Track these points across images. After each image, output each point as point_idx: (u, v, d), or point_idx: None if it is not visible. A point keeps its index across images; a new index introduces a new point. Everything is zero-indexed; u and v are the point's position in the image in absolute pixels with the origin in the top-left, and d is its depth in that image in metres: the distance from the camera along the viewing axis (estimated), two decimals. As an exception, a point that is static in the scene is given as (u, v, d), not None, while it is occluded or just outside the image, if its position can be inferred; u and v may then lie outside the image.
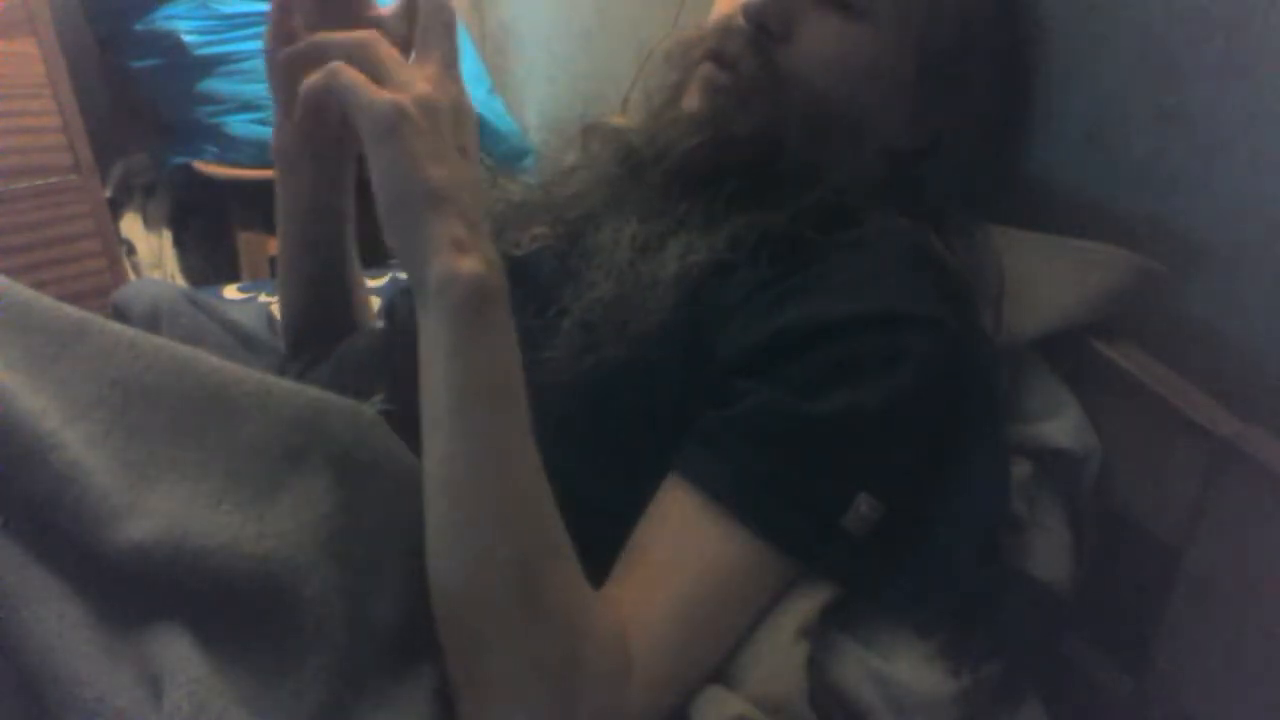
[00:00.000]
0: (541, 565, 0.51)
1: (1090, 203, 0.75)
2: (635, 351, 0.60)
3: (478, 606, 0.51)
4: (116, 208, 1.86)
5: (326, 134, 0.70)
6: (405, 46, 0.70)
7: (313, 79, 0.51)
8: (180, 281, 1.85)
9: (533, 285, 0.67)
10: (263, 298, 1.26)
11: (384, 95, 0.49)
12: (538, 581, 0.50)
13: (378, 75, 0.50)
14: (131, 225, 1.87)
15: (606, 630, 0.52)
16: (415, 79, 0.50)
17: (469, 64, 1.93)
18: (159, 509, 0.48)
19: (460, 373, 0.50)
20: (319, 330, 0.81)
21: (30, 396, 0.48)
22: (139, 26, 1.68)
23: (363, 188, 0.74)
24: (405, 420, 0.54)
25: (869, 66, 0.67)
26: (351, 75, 0.50)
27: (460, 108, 0.52)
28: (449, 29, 0.53)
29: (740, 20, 0.67)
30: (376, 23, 0.69)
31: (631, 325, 0.60)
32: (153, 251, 1.87)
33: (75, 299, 1.51)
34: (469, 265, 0.49)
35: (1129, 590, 0.68)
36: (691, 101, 0.68)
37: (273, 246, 1.76)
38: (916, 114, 0.70)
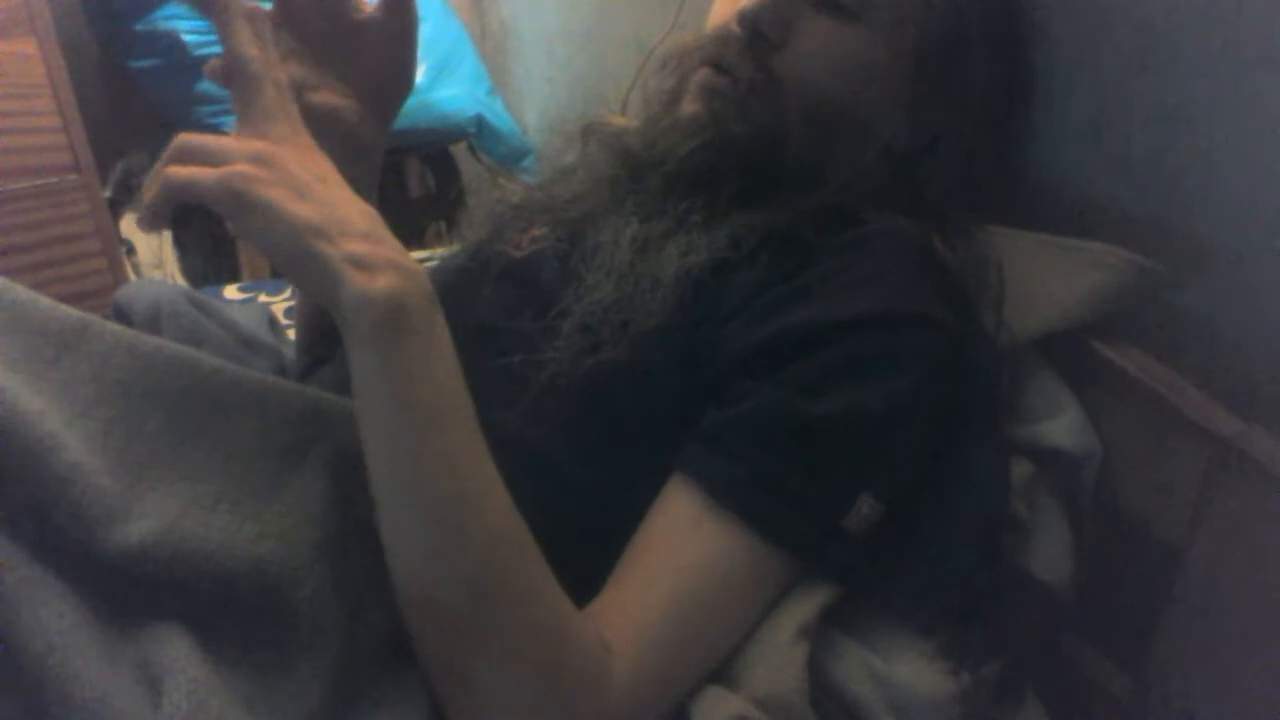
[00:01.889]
0: (501, 578, 0.50)
1: (1090, 203, 0.75)
2: (636, 352, 0.60)
3: (440, 622, 0.51)
4: (116, 208, 1.86)
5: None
6: (396, 39, 0.70)
7: (151, 198, 0.50)
8: (180, 281, 1.85)
9: (533, 287, 0.67)
10: (263, 298, 1.26)
11: (216, 173, 0.48)
12: (499, 594, 0.50)
13: (204, 159, 0.50)
14: (131, 225, 1.87)
15: (586, 631, 0.52)
16: (239, 144, 0.50)
17: (469, 64, 1.93)
18: (158, 510, 0.48)
19: (393, 391, 0.49)
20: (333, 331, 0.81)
21: (30, 397, 0.48)
22: (139, 26, 1.68)
23: (384, 188, 0.74)
24: None
25: (866, 68, 0.67)
26: (181, 173, 0.49)
27: (300, 143, 0.52)
28: (256, 80, 0.53)
29: (736, 27, 0.67)
30: (365, 20, 0.69)
31: (632, 326, 0.60)
32: (153, 251, 1.87)
33: (75, 299, 1.51)
34: (378, 282, 0.47)
35: (1129, 590, 0.68)
36: (690, 106, 0.68)
37: (273, 246, 1.77)
38: (915, 114, 0.70)
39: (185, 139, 0.51)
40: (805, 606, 0.57)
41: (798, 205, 0.65)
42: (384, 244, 0.49)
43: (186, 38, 1.65)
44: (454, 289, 0.71)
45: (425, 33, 1.82)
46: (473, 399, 0.52)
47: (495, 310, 0.67)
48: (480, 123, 1.87)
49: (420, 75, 1.79)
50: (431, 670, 0.52)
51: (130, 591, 0.48)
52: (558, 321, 0.62)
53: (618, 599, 0.55)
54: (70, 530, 0.47)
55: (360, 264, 0.48)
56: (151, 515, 0.48)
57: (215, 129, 1.71)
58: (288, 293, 1.27)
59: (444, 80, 1.87)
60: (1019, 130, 0.79)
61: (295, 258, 0.48)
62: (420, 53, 2.08)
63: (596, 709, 0.51)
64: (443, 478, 0.49)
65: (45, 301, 0.52)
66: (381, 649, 0.53)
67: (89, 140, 1.58)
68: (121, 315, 0.84)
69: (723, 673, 0.57)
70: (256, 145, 0.50)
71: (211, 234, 1.96)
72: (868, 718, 0.57)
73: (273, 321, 1.03)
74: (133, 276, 1.80)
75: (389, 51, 0.71)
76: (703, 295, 0.62)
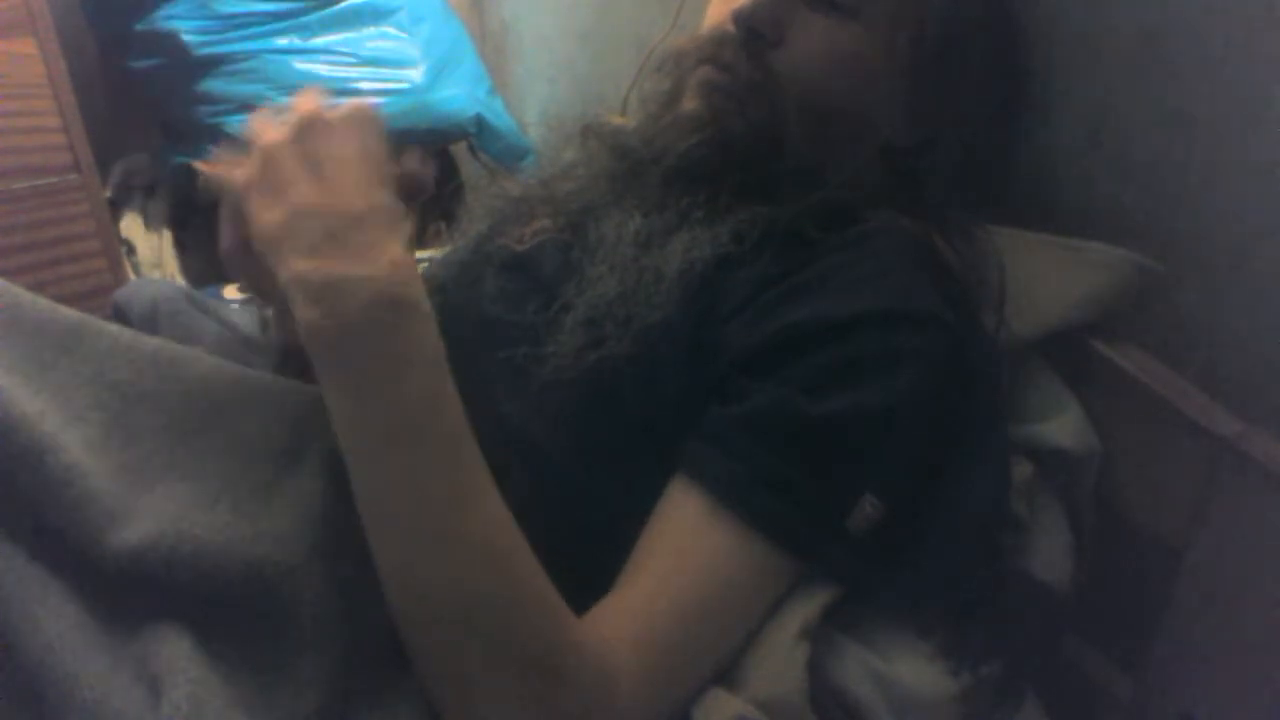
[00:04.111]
0: (490, 591, 0.49)
1: (1090, 203, 0.75)
2: (639, 347, 0.59)
3: (431, 635, 0.50)
4: (116, 208, 1.86)
5: None
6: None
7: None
8: (180, 282, 1.85)
9: (535, 279, 0.67)
10: (263, 298, 1.26)
11: (237, 179, 0.50)
12: (488, 607, 0.49)
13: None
14: (131, 225, 1.87)
15: (587, 640, 0.52)
16: (262, 138, 0.50)
17: (469, 64, 1.93)
18: (156, 510, 0.48)
19: (342, 411, 0.48)
20: None
21: (29, 399, 0.48)
22: (139, 26, 1.67)
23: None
24: None
25: (863, 65, 0.67)
26: (230, 180, 0.50)
27: (317, 123, 0.50)
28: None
29: (731, 27, 0.67)
30: None
31: (635, 321, 0.60)
32: (153, 251, 1.87)
33: (75, 299, 1.51)
34: (311, 311, 0.46)
35: (1129, 590, 0.68)
36: (690, 104, 0.68)
37: (273, 246, 1.76)
38: (913, 111, 0.70)
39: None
40: (806, 607, 0.57)
41: (799, 202, 0.65)
42: (335, 254, 0.47)
43: (186, 38, 1.64)
44: (456, 283, 0.71)
45: (425, 33, 1.82)
46: (477, 393, 0.51)
47: (498, 303, 0.67)
48: (480, 123, 1.87)
49: (420, 75, 1.80)
50: (426, 681, 0.52)
51: (129, 592, 0.48)
52: (560, 315, 0.62)
53: (622, 603, 0.55)
54: (69, 531, 0.47)
55: (301, 287, 0.47)
56: (150, 516, 0.48)
57: (215, 129, 1.70)
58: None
59: (444, 80, 1.87)
60: (1018, 129, 0.79)
61: (272, 273, 0.48)
62: (420, 53, 2.07)
63: (603, 717, 0.51)
64: (406, 495, 0.49)
65: (44, 302, 0.52)
66: (381, 649, 0.53)
67: (89, 140, 1.58)
68: (120, 315, 0.84)
69: (724, 674, 0.57)
70: (264, 141, 0.49)
71: (211, 234, 1.96)
72: (868, 718, 0.57)
73: (266, 323, 1.02)
74: (133, 276, 1.80)
75: None
76: (706, 290, 0.61)
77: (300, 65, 1.69)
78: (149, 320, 0.81)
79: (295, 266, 0.47)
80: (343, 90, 1.66)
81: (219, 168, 0.51)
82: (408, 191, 0.53)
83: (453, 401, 0.50)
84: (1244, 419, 0.60)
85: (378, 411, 0.48)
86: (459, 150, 2.03)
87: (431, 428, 0.49)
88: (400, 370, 0.48)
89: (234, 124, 1.70)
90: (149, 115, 1.84)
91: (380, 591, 0.52)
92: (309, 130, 0.49)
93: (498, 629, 0.49)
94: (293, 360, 0.73)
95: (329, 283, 0.47)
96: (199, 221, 1.97)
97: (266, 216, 0.48)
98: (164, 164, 1.85)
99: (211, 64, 1.67)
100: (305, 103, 0.51)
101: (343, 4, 1.75)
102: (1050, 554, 0.66)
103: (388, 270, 0.48)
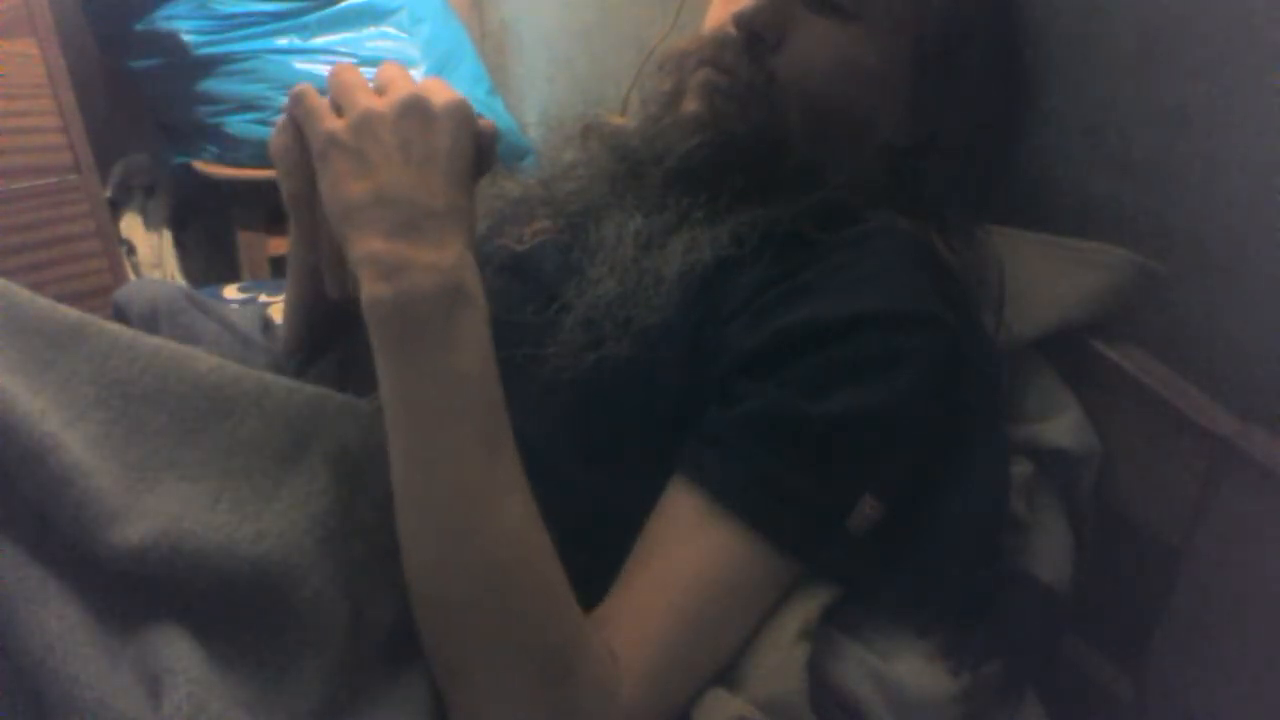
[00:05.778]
0: (510, 584, 0.50)
1: (1090, 202, 0.75)
2: (638, 349, 0.59)
3: (448, 625, 0.51)
4: (116, 208, 1.86)
5: None
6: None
7: (281, 117, 0.53)
8: (180, 281, 1.85)
9: (535, 280, 0.67)
10: (263, 298, 1.26)
11: (325, 124, 0.50)
12: (506, 599, 0.50)
13: (336, 102, 0.52)
14: (131, 225, 1.87)
15: (595, 641, 0.52)
16: (363, 99, 0.51)
17: (469, 64, 1.93)
18: (157, 510, 0.48)
19: (394, 389, 0.50)
20: (331, 320, 0.79)
21: (30, 398, 0.48)
22: (139, 26, 1.68)
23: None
24: None
25: (864, 67, 0.67)
26: (310, 103, 0.51)
27: (422, 108, 0.51)
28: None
29: (732, 29, 0.67)
30: None
31: (635, 323, 0.60)
32: (153, 251, 1.87)
33: (75, 299, 1.51)
34: (382, 288, 0.48)
35: (1129, 590, 0.68)
36: (691, 105, 0.68)
37: (273, 246, 1.77)
38: (914, 111, 0.70)
39: (342, 67, 0.53)
40: (806, 607, 0.57)
41: (799, 203, 0.65)
42: (411, 240, 0.49)
43: (186, 38, 1.64)
44: None
45: (425, 33, 1.82)
46: None
47: (496, 304, 0.67)
48: (481, 123, 1.87)
49: (420, 75, 1.80)
50: (439, 672, 0.52)
51: (130, 592, 0.48)
52: (560, 315, 0.62)
53: (623, 606, 0.55)
54: (70, 531, 0.47)
55: (373, 264, 0.49)
56: (151, 515, 0.48)
57: (216, 129, 1.71)
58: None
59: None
60: (1018, 129, 0.79)
61: (337, 234, 0.50)
62: (420, 53, 2.07)
63: (605, 716, 0.51)
64: (443, 479, 0.50)
65: (44, 301, 0.52)
66: (382, 648, 0.53)
67: (89, 140, 1.58)
68: (120, 315, 0.83)
69: (723, 674, 0.57)
70: (370, 103, 0.51)
71: (211, 234, 1.96)
72: (868, 718, 0.57)
73: (267, 323, 1.02)
74: (133, 276, 1.80)
75: None
76: (705, 292, 0.61)
77: (300, 65, 1.69)
78: (149, 320, 0.80)
79: (371, 245, 0.49)
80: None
81: (311, 102, 0.52)
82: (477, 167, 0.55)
83: (497, 392, 0.52)
84: (1243, 419, 0.60)
85: (427, 387, 0.50)
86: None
87: (475, 410, 0.51)
88: (452, 351, 0.50)
89: (234, 124, 1.70)
90: (149, 115, 1.84)
91: (382, 589, 0.52)
92: (411, 111, 0.51)
93: (517, 619, 0.50)
94: (310, 322, 0.73)
95: (401, 264, 0.49)
96: (199, 221, 1.97)
97: (353, 186, 0.49)
98: (164, 164, 1.85)
99: (211, 64, 1.67)
100: (396, 76, 0.52)
101: (343, 4, 1.75)
102: (1050, 554, 0.66)
103: (454, 261, 0.50)
